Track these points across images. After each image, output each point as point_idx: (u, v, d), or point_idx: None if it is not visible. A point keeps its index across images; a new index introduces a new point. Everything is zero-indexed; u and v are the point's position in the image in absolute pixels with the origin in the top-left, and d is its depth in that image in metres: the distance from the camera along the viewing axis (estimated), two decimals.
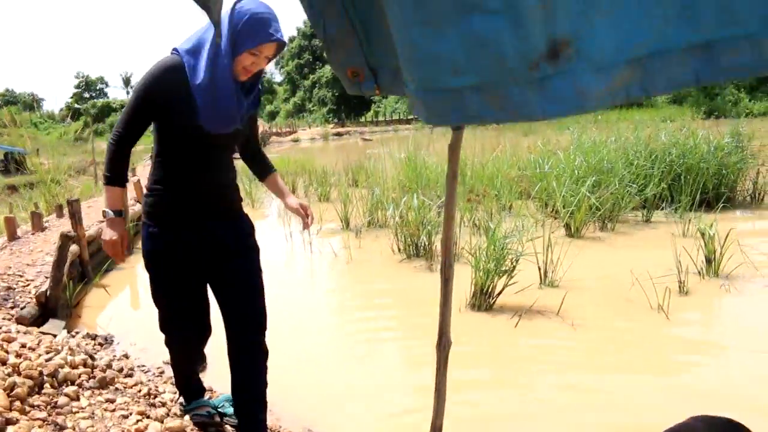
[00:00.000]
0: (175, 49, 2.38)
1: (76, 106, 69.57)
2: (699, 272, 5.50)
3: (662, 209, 8.45)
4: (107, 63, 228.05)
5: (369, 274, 6.57)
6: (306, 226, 2.88)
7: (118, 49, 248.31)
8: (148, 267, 2.58)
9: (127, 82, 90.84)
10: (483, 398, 3.52)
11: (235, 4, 2.29)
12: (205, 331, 2.77)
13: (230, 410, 3.02)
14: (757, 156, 9.44)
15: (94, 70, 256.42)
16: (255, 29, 2.26)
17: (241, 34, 2.26)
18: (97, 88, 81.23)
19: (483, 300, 4.96)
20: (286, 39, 2.39)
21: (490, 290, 4.98)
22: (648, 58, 0.87)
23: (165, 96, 2.33)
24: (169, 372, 3.83)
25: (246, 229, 2.65)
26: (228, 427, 2.99)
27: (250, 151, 2.84)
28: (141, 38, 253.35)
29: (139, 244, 2.81)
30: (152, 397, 3.23)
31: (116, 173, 2.41)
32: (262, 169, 2.90)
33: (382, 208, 8.61)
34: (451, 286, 1.64)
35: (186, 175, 2.46)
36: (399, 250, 6.99)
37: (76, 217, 6.28)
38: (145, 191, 2.57)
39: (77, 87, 78.41)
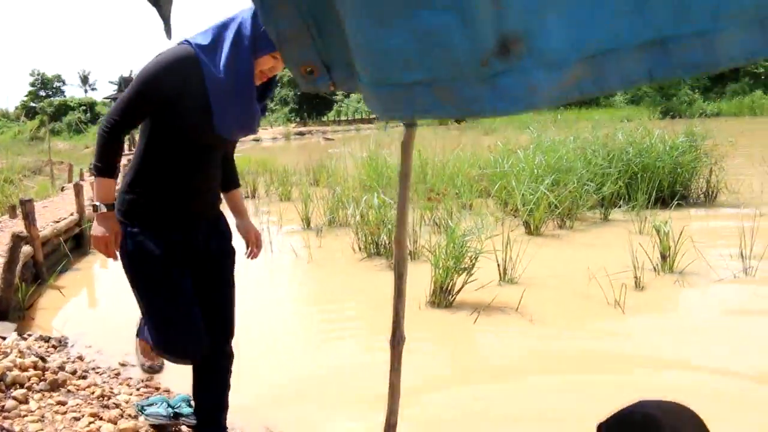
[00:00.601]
0: (186, 41, 2.17)
1: (32, 104, 67.85)
2: (654, 268, 5.61)
3: (619, 207, 8.58)
4: (64, 61, 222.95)
5: (330, 274, 6.55)
6: (253, 255, 2.76)
7: (76, 46, 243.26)
8: (131, 269, 2.34)
9: (84, 80, 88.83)
10: (440, 395, 3.53)
11: None
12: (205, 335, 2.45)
13: (187, 410, 2.97)
14: (710, 155, 9.62)
15: (50, 67, 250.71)
16: None
17: (265, 35, 2.04)
18: (54, 86, 79.04)
19: (442, 298, 4.98)
20: None
21: (449, 288, 5.00)
22: (601, 56, 0.86)
23: (176, 90, 2.13)
24: (125, 374, 3.77)
25: (226, 232, 2.54)
26: (184, 428, 2.95)
27: (223, 157, 2.58)
28: (99, 36, 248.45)
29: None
30: (106, 398, 3.17)
31: (108, 163, 2.19)
32: (227, 181, 2.68)
33: (343, 207, 8.59)
34: (405, 280, 1.63)
35: (177, 175, 2.29)
36: (360, 249, 6.98)
37: (29, 218, 6.12)
38: (123, 188, 2.36)
39: (32, 85, 76.23)
